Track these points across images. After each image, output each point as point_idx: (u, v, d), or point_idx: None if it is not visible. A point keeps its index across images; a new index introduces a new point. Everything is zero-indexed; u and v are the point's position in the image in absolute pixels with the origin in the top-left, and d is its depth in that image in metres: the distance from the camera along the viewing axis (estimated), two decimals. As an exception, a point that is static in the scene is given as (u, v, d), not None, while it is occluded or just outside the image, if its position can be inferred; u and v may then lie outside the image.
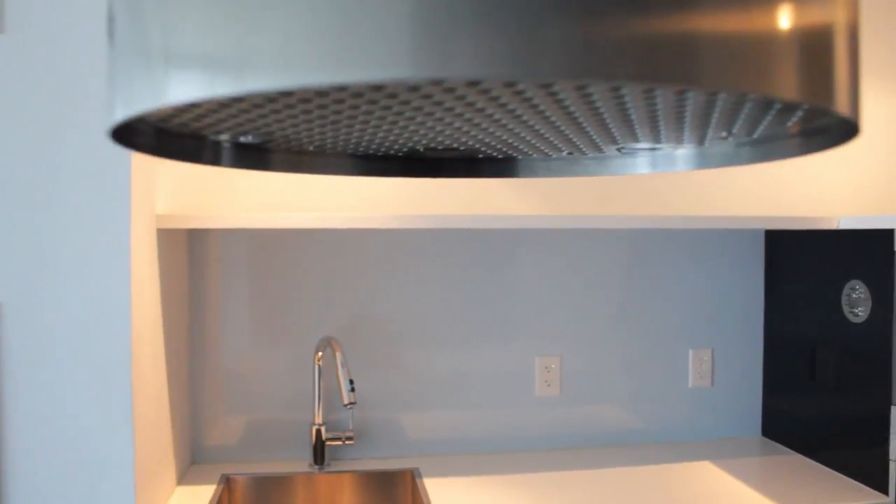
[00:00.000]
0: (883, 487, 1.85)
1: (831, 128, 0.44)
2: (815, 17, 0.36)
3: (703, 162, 0.54)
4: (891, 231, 1.87)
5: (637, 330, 2.25)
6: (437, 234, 2.14)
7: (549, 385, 2.21)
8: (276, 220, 1.77)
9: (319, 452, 2.01)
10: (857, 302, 1.97)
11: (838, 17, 0.37)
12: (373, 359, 2.12)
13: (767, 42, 0.34)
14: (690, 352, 2.29)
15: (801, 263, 2.19)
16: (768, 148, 0.50)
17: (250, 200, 2.04)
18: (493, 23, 0.30)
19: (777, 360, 2.29)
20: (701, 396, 2.30)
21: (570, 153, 0.60)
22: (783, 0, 0.35)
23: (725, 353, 2.31)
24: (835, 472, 2.01)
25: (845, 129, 0.42)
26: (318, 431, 2.00)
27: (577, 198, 2.19)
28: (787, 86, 0.34)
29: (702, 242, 2.28)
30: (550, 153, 0.60)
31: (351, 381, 1.89)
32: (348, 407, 1.88)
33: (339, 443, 2.01)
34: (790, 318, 2.23)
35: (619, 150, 0.57)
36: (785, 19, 0.35)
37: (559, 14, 0.30)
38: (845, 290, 2.01)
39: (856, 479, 1.94)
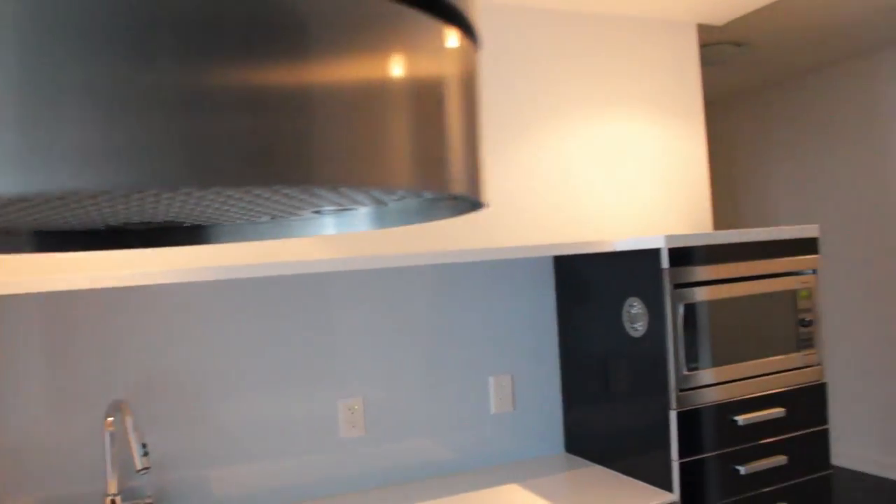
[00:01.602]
0: (669, 486, 1.99)
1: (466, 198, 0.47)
2: (431, 115, 0.39)
3: (383, 222, 0.57)
4: (657, 250, 2.03)
5: (437, 363, 2.30)
6: (229, 284, 2.09)
7: (353, 426, 2.20)
8: (51, 282, 1.67)
9: (116, 524, 1.89)
10: (635, 317, 2.12)
11: (452, 112, 0.40)
12: (171, 416, 2.04)
13: (387, 141, 0.36)
14: (491, 379, 2.36)
15: (587, 285, 2.33)
16: (433, 208, 0.54)
17: (29, 263, 1.91)
18: (99, 130, 0.30)
19: (573, 379, 2.41)
20: (504, 421, 2.38)
21: (273, 217, 0.61)
22: (397, 99, 0.37)
23: (525, 376, 2.41)
24: (629, 478, 2.13)
25: (472, 202, 0.46)
26: (113, 502, 1.89)
27: (375, 238, 2.22)
28: (406, 178, 0.37)
29: (495, 273, 2.37)
30: (252, 219, 0.61)
31: (144, 445, 1.80)
32: (141, 473, 1.79)
33: (138, 511, 1.91)
34: (581, 337, 2.36)
35: (315, 212, 0.59)
36: (400, 118, 0.37)
37: (173, 121, 0.30)
38: (625, 307, 2.16)
39: (647, 481, 2.08)
